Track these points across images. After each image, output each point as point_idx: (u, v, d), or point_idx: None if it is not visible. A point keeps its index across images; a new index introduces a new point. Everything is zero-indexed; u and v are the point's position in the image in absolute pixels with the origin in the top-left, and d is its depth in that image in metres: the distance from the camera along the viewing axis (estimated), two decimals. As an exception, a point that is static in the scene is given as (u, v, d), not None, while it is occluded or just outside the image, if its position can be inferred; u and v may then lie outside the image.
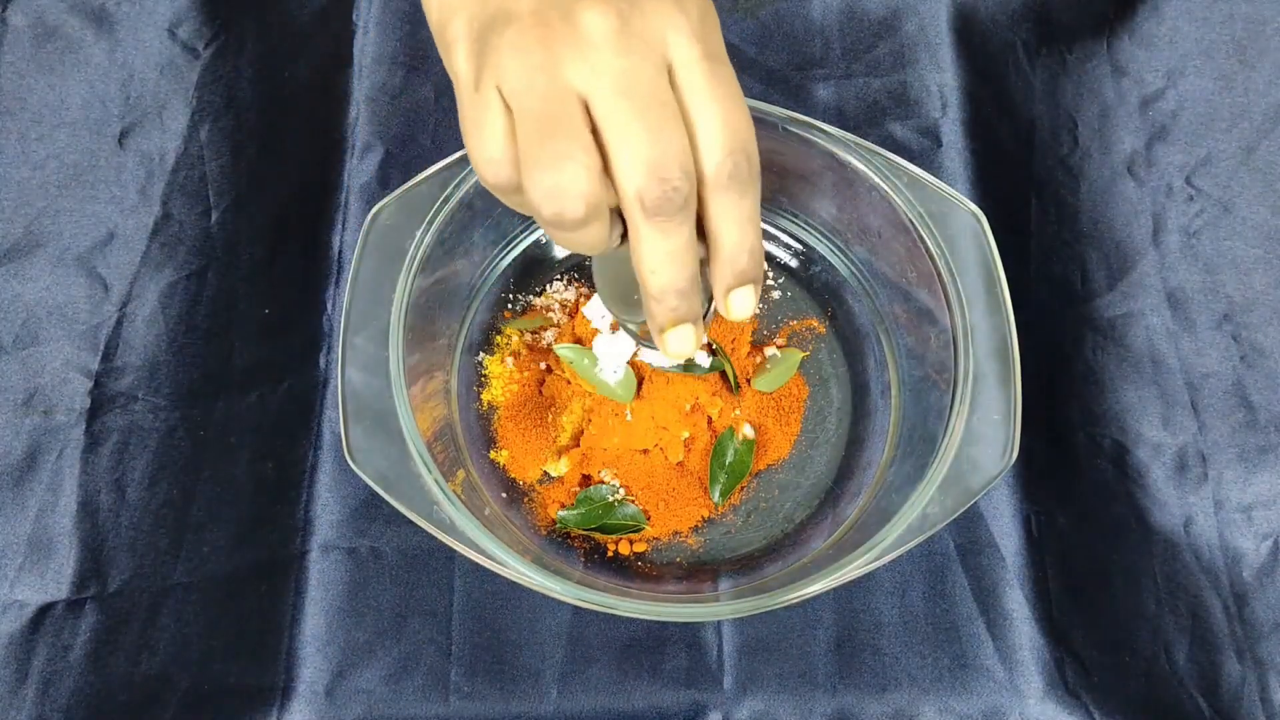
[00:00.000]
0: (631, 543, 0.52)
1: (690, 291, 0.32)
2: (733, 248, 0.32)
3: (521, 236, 0.56)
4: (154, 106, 0.55)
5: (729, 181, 0.31)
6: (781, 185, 0.54)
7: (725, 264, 0.33)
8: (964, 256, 0.47)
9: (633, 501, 0.52)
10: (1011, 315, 0.46)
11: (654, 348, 0.39)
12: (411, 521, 0.43)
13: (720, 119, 0.31)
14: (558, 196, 0.30)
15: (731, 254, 0.32)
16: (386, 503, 0.43)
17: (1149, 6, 0.57)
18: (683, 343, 0.34)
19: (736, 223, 0.32)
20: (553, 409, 0.53)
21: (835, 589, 0.43)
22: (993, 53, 0.61)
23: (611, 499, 0.51)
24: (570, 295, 0.56)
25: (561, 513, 0.51)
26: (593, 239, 0.32)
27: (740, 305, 0.34)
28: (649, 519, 0.51)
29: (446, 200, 0.47)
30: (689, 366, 0.50)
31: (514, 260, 0.56)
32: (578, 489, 0.52)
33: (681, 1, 0.31)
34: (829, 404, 0.55)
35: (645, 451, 0.52)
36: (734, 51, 0.62)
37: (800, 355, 0.55)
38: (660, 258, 0.31)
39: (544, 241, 0.57)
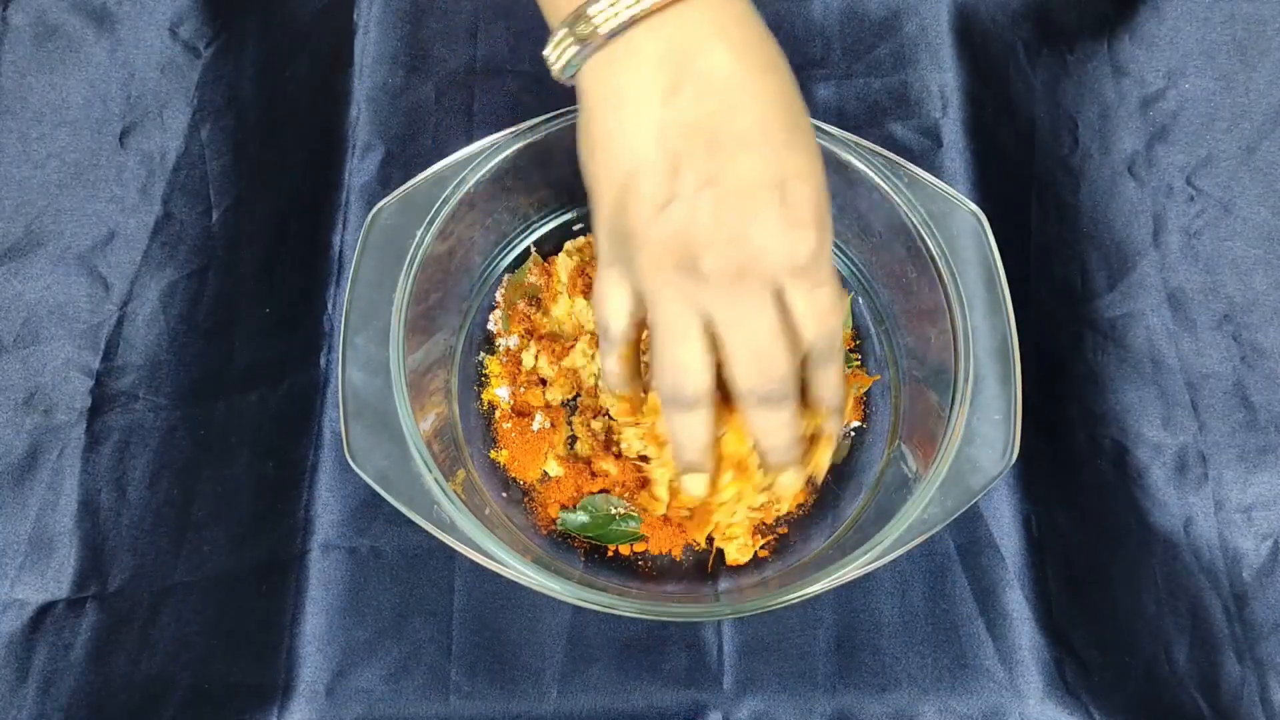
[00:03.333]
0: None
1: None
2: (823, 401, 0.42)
3: (521, 237, 0.56)
4: (155, 106, 0.55)
5: (822, 358, 0.40)
6: (782, 185, 0.54)
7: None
8: (964, 256, 0.47)
9: (633, 513, 0.51)
10: (1012, 315, 0.46)
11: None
12: (412, 521, 0.43)
13: (815, 331, 0.38)
14: (679, 388, 0.38)
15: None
16: (387, 502, 0.43)
17: (1150, 7, 0.57)
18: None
19: (828, 385, 0.41)
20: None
21: (835, 589, 0.43)
22: (993, 53, 0.61)
23: (614, 511, 0.51)
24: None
25: (562, 514, 0.51)
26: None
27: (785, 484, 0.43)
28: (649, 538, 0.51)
29: (446, 200, 0.47)
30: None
31: (514, 260, 0.56)
32: (579, 493, 0.52)
33: (797, 236, 0.36)
34: (829, 404, 0.55)
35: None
36: (734, 51, 0.62)
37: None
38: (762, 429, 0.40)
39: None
